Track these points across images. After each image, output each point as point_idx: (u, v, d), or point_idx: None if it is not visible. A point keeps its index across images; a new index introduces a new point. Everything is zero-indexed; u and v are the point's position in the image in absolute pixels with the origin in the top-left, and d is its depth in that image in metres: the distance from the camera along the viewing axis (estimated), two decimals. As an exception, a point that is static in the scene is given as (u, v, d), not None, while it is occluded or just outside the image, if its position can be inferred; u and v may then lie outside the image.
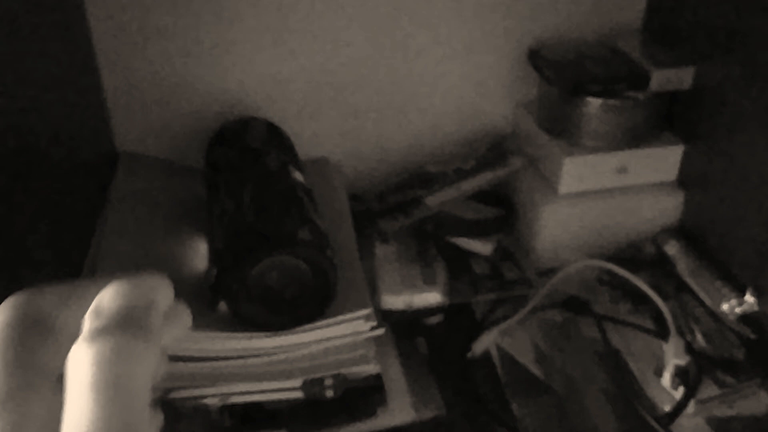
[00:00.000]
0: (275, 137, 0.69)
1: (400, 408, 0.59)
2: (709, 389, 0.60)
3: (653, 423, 0.57)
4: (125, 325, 0.20)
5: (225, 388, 0.55)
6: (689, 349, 0.61)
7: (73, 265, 0.60)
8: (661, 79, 0.69)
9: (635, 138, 0.72)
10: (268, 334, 0.56)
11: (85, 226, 0.64)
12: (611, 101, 0.70)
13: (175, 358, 0.53)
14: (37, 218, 0.54)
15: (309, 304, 0.55)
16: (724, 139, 0.68)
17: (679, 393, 0.59)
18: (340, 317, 0.56)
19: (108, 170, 0.71)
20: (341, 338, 0.57)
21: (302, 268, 0.54)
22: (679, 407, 0.58)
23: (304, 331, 0.56)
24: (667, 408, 0.58)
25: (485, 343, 0.65)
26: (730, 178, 0.68)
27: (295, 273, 0.54)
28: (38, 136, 0.56)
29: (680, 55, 0.71)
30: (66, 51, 0.64)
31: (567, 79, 0.71)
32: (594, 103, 0.70)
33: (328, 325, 0.56)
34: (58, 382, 0.21)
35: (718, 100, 0.69)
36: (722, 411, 0.59)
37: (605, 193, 0.73)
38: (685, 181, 0.74)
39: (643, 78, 0.69)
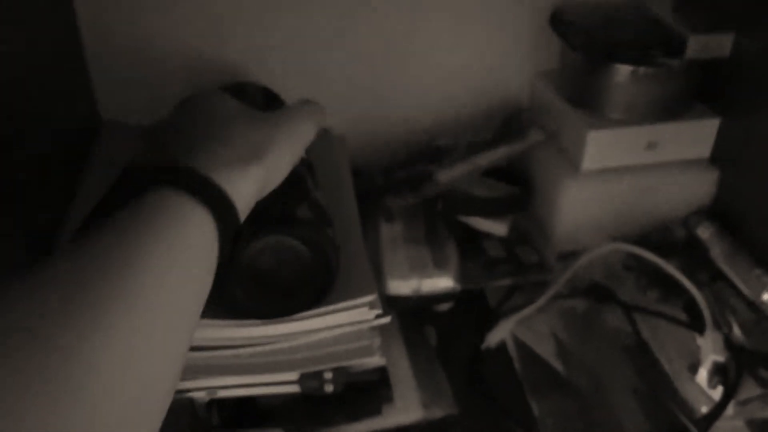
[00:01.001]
0: (273, 104, 0.63)
1: (408, 406, 0.53)
2: (749, 388, 0.54)
3: (690, 426, 0.51)
4: None
5: (213, 381, 0.50)
6: (728, 343, 0.56)
7: (50, 232, 0.55)
8: (698, 45, 0.63)
9: (666, 110, 0.66)
10: (262, 322, 0.50)
11: (66, 194, 0.59)
12: (643, 69, 0.63)
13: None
14: (17, 186, 0.50)
15: (307, 289, 0.49)
16: (764, 113, 0.63)
17: (717, 393, 0.53)
18: (342, 304, 0.51)
19: (91, 138, 0.66)
20: (342, 327, 0.52)
21: (300, 250, 0.48)
22: (718, 409, 0.52)
23: (302, 319, 0.51)
24: (704, 409, 0.53)
25: (500, 333, 0.60)
26: (770, 155, 0.62)
27: (292, 255, 0.48)
28: (17, 102, 0.52)
29: (718, 19, 0.65)
30: (45, 13, 0.60)
31: (594, 45, 0.65)
32: (623, 72, 0.64)
33: (327, 313, 0.51)
34: None
35: (758, 70, 0.63)
36: (764, 412, 0.53)
37: (632, 170, 0.67)
38: (719, 158, 0.68)
39: (679, 44, 0.63)
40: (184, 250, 0.32)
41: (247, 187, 0.37)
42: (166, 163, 0.35)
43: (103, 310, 0.26)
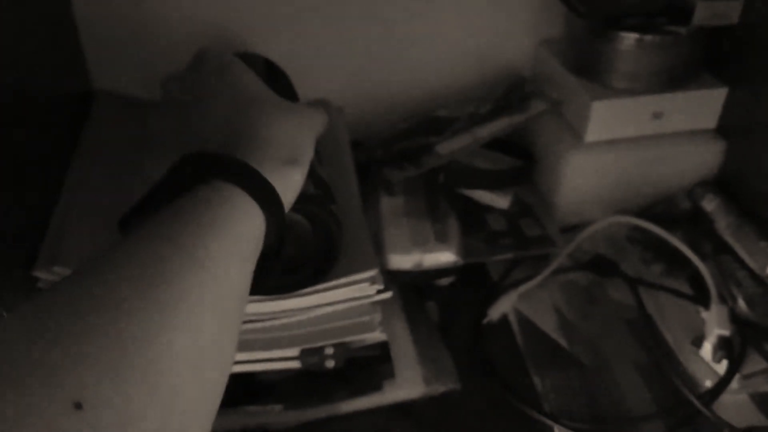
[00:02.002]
0: (273, 76, 0.62)
1: (409, 381, 0.53)
2: (754, 362, 0.54)
3: (694, 400, 0.51)
4: None
5: (212, 358, 0.49)
6: (732, 317, 0.55)
7: (46, 203, 0.54)
8: (706, 12, 0.61)
9: (673, 80, 0.64)
10: (263, 298, 0.49)
11: (60, 165, 0.58)
12: (649, 37, 0.62)
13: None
14: (9, 157, 0.49)
15: (310, 266, 0.48)
16: (773, 82, 0.61)
17: (721, 367, 0.53)
18: (343, 279, 0.50)
19: (83, 109, 0.64)
20: (343, 303, 0.51)
21: (304, 227, 0.47)
22: (723, 383, 0.52)
23: (303, 295, 0.49)
24: (708, 383, 0.52)
25: (502, 307, 0.59)
26: (779, 125, 0.61)
27: (297, 231, 0.47)
28: (5, 72, 0.50)
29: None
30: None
31: (599, 12, 0.63)
32: (628, 39, 0.62)
33: (328, 289, 0.50)
34: None
35: (767, 38, 0.61)
36: (768, 386, 0.53)
37: (637, 141, 0.65)
38: (726, 128, 0.67)
39: (686, 10, 0.61)
40: (242, 244, 0.33)
41: (291, 189, 0.38)
42: (222, 156, 0.36)
43: (171, 307, 0.27)
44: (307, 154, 0.41)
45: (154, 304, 0.27)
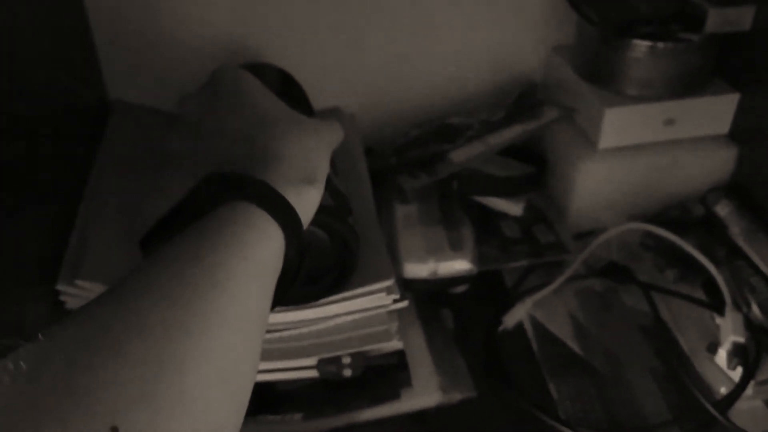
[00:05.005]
0: (287, 87, 0.62)
1: (426, 389, 0.53)
2: (768, 368, 0.54)
3: (709, 407, 0.51)
4: None
5: (232, 368, 0.50)
6: (747, 323, 0.55)
7: (66, 213, 0.55)
8: (718, 18, 0.61)
9: (685, 86, 0.65)
10: (281, 308, 0.50)
11: (79, 176, 0.59)
12: (661, 44, 0.62)
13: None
14: (30, 168, 0.50)
15: (327, 277, 0.49)
16: (786, 88, 0.61)
17: (736, 373, 0.53)
18: (360, 290, 0.50)
19: (100, 120, 0.65)
20: (360, 312, 0.51)
21: (321, 238, 0.48)
22: (738, 390, 0.52)
23: (320, 305, 0.50)
24: (723, 390, 0.53)
25: (517, 315, 0.59)
26: (792, 131, 0.61)
27: (311, 242, 0.48)
28: (23, 82, 0.51)
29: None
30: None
31: (611, 19, 0.63)
32: (641, 47, 0.62)
33: (345, 299, 0.51)
34: None
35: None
36: (783, 393, 0.53)
37: (649, 147, 0.66)
38: (739, 134, 0.67)
39: (698, 17, 0.61)
40: (262, 265, 0.33)
41: (309, 208, 0.39)
42: (243, 176, 0.36)
43: (197, 330, 0.28)
44: (324, 171, 0.42)
45: (181, 328, 0.27)
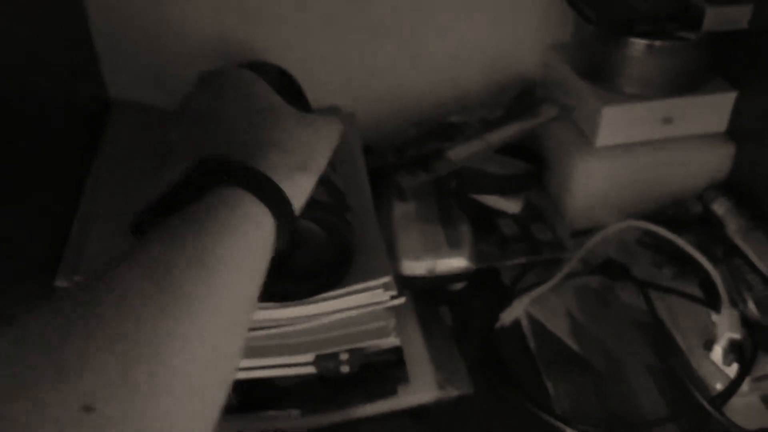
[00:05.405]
0: (286, 85, 0.62)
1: (423, 385, 0.53)
2: (764, 365, 0.54)
3: (705, 403, 0.51)
4: None
5: (230, 364, 0.50)
6: (743, 320, 0.55)
7: (67, 211, 0.55)
8: (716, 17, 0.62)
9: (683, 84, 0.65)
10: (279, 305, 0.50)
11: (79, 173, 0.59)
12: (659, 43, 0.62)
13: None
14: (30, 166, 0.50)
15: (324, 273, 0.49)
16: (783, 86, 0.61)
17: (732, 370, 0.53)
18: (357, 286, 0.51)
19: (100, 117, 0.65)
20: (358, 309, 0.52)
21: (317, 233, 0.48)
22: (734, 386, 0.52)
23: (318, 301, 0.50)
24: (719, 386, 0.53)
25: (515, 312, 0.60)
26: (789, 129, 0.61)
27: (309, 238, 0.48)
28: (22, 80, 0.51)
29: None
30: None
31: (609, 18, 0.64)
32: (639, 45, 0.63)
33: (343, 295, 0.51)
34: None
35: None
36: (779, 389, 0.53)
37: (647, 145, 0.66)
38: (736, 132, 0.67)
39: (696, 16, 0.62)
40: (252, 250, 0.34)
41: (301, 195, 0.39)
42: (234, 162, 0.36)
43: (180, 314, 0.28)
44: (318, 162, 0.42)
45: (163, 311, 0.27)
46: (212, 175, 0.35)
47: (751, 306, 0.58)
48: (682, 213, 0.66)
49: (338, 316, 0.51)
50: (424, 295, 0.60)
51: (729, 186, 0.67)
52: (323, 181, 0.50)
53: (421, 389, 0.53)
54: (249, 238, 0.34)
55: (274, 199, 0.36)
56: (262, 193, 0.35)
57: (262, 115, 0.41)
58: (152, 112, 0.67)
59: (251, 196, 0.35)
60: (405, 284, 0.59)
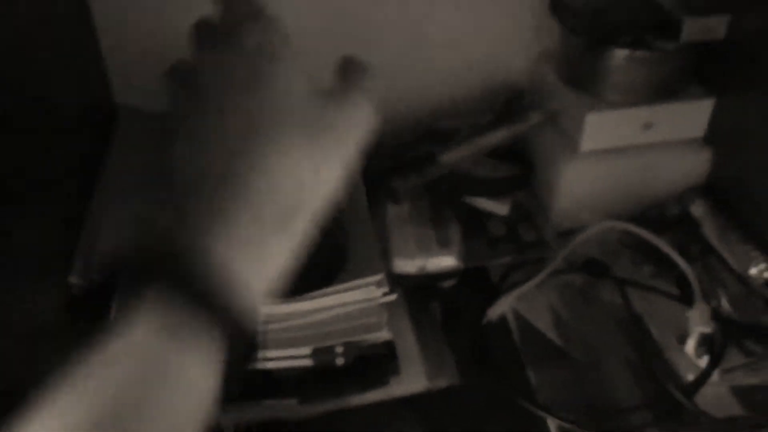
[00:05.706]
0: None
1: (413, 376, 0.57)
2: (734, 357, 0.57)
3: (676, 393, 0.55)
4: None
5: (232, 356, 0.54)
6: (715, 315, 0.59)
7: (75, 221, 0.58)
8: (694, 28, 0.65)
9: (662, 92, 0.68)
10: (276, 300, 0.53)
11: (88, 177, 0.62)
12: (639, 53, 0.65)
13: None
14: (38, 174, 0.52)
15: (319, 271, 0.52)
16: (758, 94, 0.64)
17: (703, 362, 0.57)
18: (352, 283, 0.54)
19: (108, 123, 0.68)
20: (352, 305, 0.55)
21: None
22: (703, 377, 0.56)
23: (314, 297, 0.54)
24: (691, 377, 0.56)
25: (501, 308, 0.63)
26: (762, 134, 0.64)
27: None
28: (28, 85, 0.52)
29: (714, 1, 0.66)
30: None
31: (591, 29, 0.67)
32: (620, 55, 0.66)
33: (338, 292, 0.54)
34: None
35: (752, 52, 0.64)
36: (747, 379, 0.56)
37: (629, 150, 0.69)
38: (713, 137, 0.70)
39: (674, 27, 0.65)
40: (181, 417, 0.27)
41: (275, 262, 0.31)
42: (170, 257, 0.28)
43: None
44: (315, 200, 0.33)
45: None
46: (147, 278, 0.27)
47: (725, 302, 0.61)
48: (661, 214, 0.70)
49: (334, 311, 0.55)
50: (415, 292, 0.64)
51: (706, 189, 0.70)
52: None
53: (411, 380, 0.57)
54: (176, 405, 0.26)
55: (226, 310, 0.28)
56: (209, 305, 0.27)
57: (264, 132, 0.31)
58: (159, 118, 0.70)
59: (191, 312, 0.27)
60: (397, 282, 0.62)
